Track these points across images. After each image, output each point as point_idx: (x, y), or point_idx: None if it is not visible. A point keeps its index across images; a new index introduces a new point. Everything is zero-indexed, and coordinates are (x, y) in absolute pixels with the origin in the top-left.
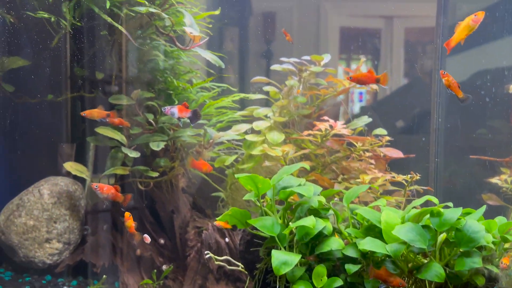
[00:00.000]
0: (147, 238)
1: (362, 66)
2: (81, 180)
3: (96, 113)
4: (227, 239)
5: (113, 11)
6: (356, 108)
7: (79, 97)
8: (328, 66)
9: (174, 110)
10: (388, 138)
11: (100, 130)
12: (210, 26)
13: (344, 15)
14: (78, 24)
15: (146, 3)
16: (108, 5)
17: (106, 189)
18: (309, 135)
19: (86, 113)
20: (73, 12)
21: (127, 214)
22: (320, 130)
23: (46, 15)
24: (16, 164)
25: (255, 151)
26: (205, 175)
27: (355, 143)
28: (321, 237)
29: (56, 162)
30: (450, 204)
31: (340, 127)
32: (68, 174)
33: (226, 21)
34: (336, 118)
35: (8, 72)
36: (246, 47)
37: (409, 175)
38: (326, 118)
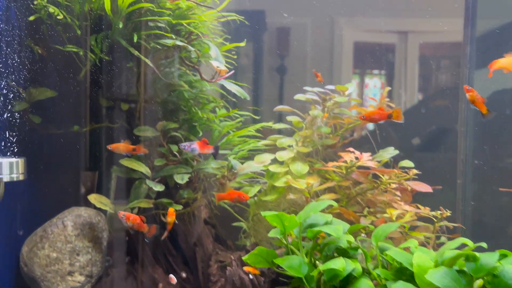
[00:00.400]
0: (173, 279)
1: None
2: (104, 209)
3: (122, 147)
4: (251, 276)
5: (140, 43)
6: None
7: (104, 127)
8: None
9: (195, 147)
10: (415, 171)
11: (125, 162)
12: (235, 57)
13: (359, 30)
14: (106, 58)
15: (173, 36)
16: (135, 39)
17: (132, 218)
18: (334, 166)
19: (112, 146)
20: (101, 45)
21: (171, 209)
22: (345, 161)
23: (74, 49)
24: (39, 193)
25: (279, 183)
26: (227, 205)
27: (381, 176)
28: (350, 278)
29: (79, 191)
30: (484, 244)
31: (366, 159)
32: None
33: (245, 39)
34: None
35: (34, 103)
36: (261, 62)
37: (438, 212)
38: (351, 149)
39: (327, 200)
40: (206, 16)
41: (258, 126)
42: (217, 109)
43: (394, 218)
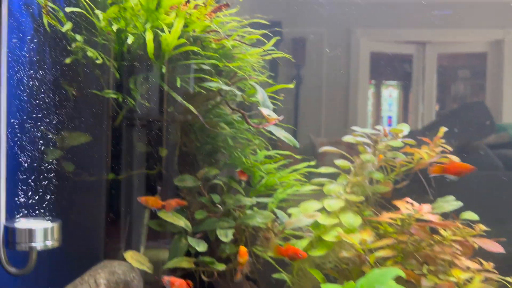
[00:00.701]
0: None
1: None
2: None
3: (151, 201)
4: None
5: (182, 86)
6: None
7: (142, 174)
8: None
9: None
10: (483, 227)
11: (162, 215)
12: (282, 98)
13: (375, 41)
14: (147, 104)
15: (220, 81)
16: (178, 83)
17: (178, 284)
18: (389, 217)
19: (142, 200)
20: (140, 89)
21: (244, 249)
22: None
23: (113, 94)
24: (70, 243)
25: (328, 237)
26: (270, 258)
27: (443, 230)
28: None
29: (111, 243)
30: None
31: (426, 211)
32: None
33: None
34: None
35: (67, 149)
36: (276, 72)
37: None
38: (408, 200)
39: (394, 268)
40: (251, 55)
41: (302, 166)
42: (258, 150)
43: (461, 283)
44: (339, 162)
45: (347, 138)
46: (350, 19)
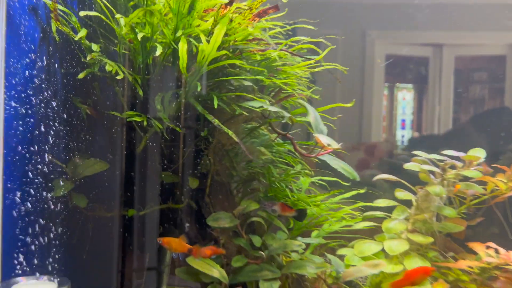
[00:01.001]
0: None
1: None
2: None
3: (175, 245)
4: None
5: (219, 106)
6: (399, 135)
7: (166, 209)
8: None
9: (276, 208)
10: None
11: (192, 262)
12: (336, 119)
13: (390, 43)
14: (178, 129)
15: (266, 102)
16: (216, 104)
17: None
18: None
19: (164, 241)
20: (169, 109)
21: None
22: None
23: (137, 118)
24: (83, 278)
25: None
26: None
27: None
28: None
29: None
30: None
31: None
32: None
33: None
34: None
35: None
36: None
37: None
38: (492, 244)
39: None
40: (300, 67)
41: (350, 195)
42: (302, 177)
43: None
44: (401, 194)
45: (409, 166)
46: (364, 21)
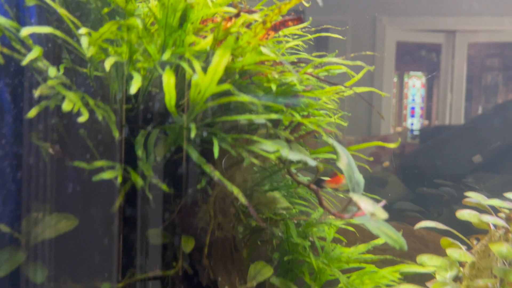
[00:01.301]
0: None
1: None
2: None
3: None
4: None
5: (223, 148)
6: (409, 123)
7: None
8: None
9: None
10: None
11: None
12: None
13: (401, 30)
14: (164, 188)
15: (283, 142)
16: (216, 152)
17: None
18: None
19: None
20: (153, 155)
21: None
22: None
23: (110, 173)
24: None
25: None
26: None
27: None
28: None
29: None
30: None
31: None
32: None
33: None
34: None
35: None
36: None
37: None
38: None
39: None
40: (327, 93)
41: (397, 271)
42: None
43: None
44: (453, 252)
45: (465, 216)
46: (375, 7)
